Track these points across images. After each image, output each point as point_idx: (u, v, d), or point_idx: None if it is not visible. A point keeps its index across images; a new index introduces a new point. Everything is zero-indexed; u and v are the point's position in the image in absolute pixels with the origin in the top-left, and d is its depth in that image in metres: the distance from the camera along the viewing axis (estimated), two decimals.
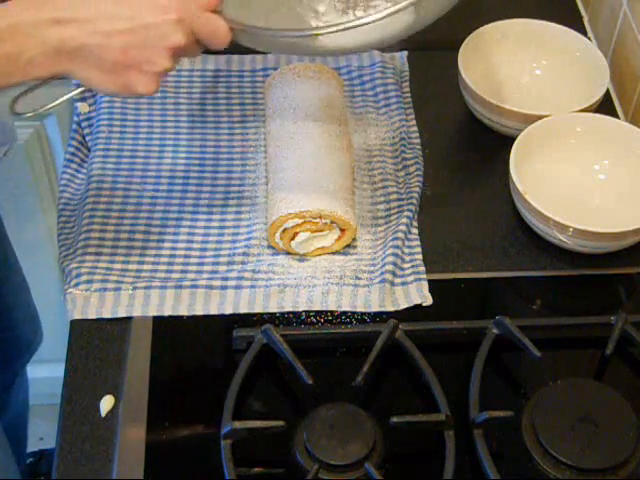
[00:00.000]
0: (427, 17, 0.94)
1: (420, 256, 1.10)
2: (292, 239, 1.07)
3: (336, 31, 0.90)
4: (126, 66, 0.90)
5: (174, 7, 0.90)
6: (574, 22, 1.37)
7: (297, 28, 1.01)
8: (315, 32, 0.92)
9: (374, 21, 0.89)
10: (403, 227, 1.11)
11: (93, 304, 1.04)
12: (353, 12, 1.05)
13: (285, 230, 1.07)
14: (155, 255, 1.09)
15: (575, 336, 1.05)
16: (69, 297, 1.05)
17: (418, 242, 1.11)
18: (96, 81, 0.91)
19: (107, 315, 1.04)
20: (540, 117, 1.16)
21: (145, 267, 1.08)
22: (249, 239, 1.10)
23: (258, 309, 1.05)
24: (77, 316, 1.04)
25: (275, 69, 1.27)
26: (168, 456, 0.94)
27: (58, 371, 1.05)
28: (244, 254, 1.09)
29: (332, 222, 1.07)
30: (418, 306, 1.05)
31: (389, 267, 1.07)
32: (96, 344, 1.02)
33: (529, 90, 1.28)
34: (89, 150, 1.21)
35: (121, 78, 0.91)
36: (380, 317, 1.04)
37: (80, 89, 0.98)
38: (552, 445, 0.92)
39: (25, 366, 1.60)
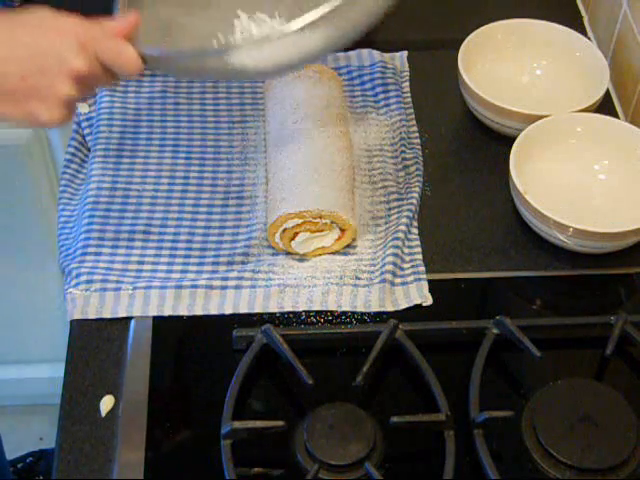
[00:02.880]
0: (346, 31, 0.92)
1: (420, 256, 1.10)
2: (292, 239, 1.07)
3: (250, 44, 0.90)
4: (26, 94, 0.87)
5: (74, 31, 0.88)
6: (574, 22, 1.37)
7: (215, 48, 0.99)
8: (231, 45, 0.91)
9: (286, 33, 0.88)
10: (403, 227, 1.11)
11: (93, 304, 1.04)
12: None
13: (285, 230, 1.07)
14: (155, 255, 1.09)
15: (575, 336, 1.05)
16: (69, 297, 1.05)
17: (418, 242, 1.11)
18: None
19: (107, 315, 1.04)
20: (540, 117, 1.16)
21: (145, 267, 1.08)
22: (249, 239, 1.10)
23: (258, 309, 1.05)
24: (77, 316, 1.04)
25: None
26: (168, 456, 0.94)
27: (58, 371, 1.05)
28: (244, 254, 1.09)
29: (332, 222, 1.07)
30: (418, 306, 1.05)
31: (389, 267, 1.07)
32: (96, 344, 1.02)
33: (529, 90, 1.28)
34: (89, 150, 1.21)
35: (23, 107, 0.88)
36: (380, 317, 1.04)
37: None
38: (552, 445, 0.92)
39: None
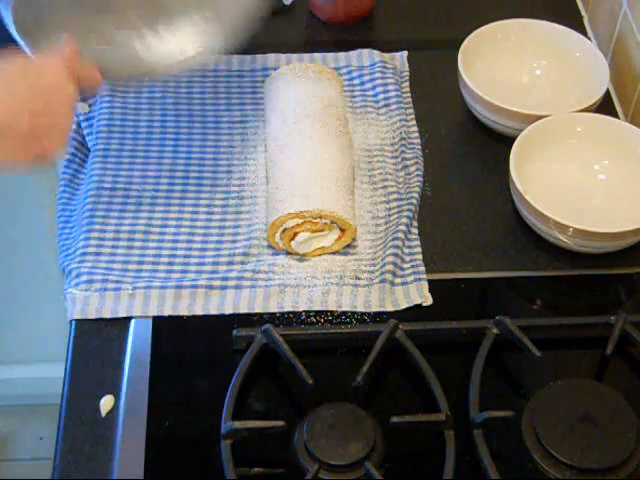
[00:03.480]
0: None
1: (420, 256, 1.10)
2: (292, 239, 1.07)
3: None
4: (37, 135, 0.89)
5: (60, 60, 0.91)
6: (574, 22, 1.37)
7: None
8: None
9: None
10: (403, 227, 1.11)
11: (93, 304, 1.04)
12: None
13: (285, 230, 1.07)
14: (155, 255, 1.09)
15: (575, 336, 1.05)
16: (69, 297, 1.05)
17: (418, 242, 1.11)
18: (9, 161, 0.90)
19: (107, 315, 1.04)
20: (540, 117, 1.16)
21: (145, 267, 1.08)
22: (249, 239, 1.10)
23: (258, 309, 1.05)
24: (77, 316, 1.04)
25: (275, 69, 1.27)
26: (168, 456, 0.94)
27: (58, 371, 1.05)
28: (244, 254, 1.09)
29: (332, 222, 1.07)
30: (418, 306, 1.05)
31: (389, 267, 1.07)
32: (96, 344, 1.02)
33: (529, 90, 1.28)
34: (89, 150, 1.21)
35: (35, 148, 0.89)
36: (380, 317, 1.04)
37: None
38: (552, 445, 0.92)
39: None
